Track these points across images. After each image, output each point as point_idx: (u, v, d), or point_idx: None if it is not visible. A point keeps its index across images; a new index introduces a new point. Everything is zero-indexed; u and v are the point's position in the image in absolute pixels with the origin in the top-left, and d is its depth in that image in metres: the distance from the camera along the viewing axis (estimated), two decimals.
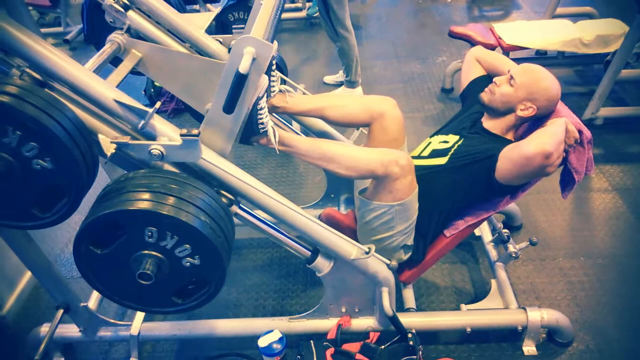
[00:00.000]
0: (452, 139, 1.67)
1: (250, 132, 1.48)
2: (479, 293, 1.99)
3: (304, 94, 2.13)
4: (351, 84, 3.44)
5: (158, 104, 1.20)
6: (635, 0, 2.46)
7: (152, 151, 1.22)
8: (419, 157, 1.71)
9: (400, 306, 1.81)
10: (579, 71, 3.52)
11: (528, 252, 2.12)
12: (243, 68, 1.16)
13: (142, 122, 1.21)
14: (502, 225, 1.92)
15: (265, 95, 1.49)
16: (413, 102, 3.39)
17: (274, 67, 1.60)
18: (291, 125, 2.08)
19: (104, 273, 1.23)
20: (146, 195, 1.11)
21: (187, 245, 1.16)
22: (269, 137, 1.50)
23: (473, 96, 1.75)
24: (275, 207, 1.40)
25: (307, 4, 4.82)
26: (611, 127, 2.82)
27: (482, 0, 4.99)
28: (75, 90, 1.22)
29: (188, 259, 1.18)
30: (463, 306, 1.79)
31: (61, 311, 1.68)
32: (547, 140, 1.37)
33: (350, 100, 1.74)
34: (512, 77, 1.56)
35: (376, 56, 4.07)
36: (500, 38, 3.12)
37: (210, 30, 1.82)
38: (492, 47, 3.08)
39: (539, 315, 1.71)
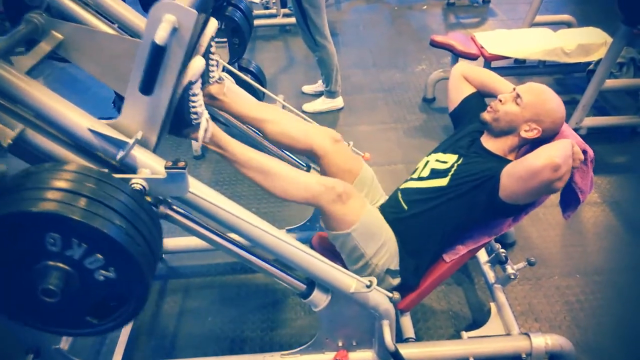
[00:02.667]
0: (451, 158, 1.59)
1: (182, 122, 1.32)
2: (477, 317, 1.91)
3: (283, 106, 2.02)
4: (331, 94, 3.35)
5: (139, 134, 1.07)
6: (619, 10, 2.44)
7: (132, 186, 1.08)
8: (419, 178, 1.62)
9: (398, 335, 1.71)
10: (559, 79, 3.52)
11: (524, 271, 2.05)
12: (159, 38, 1.00)
13: (122, 153, 1.08)
14: (499, 246, 1.85)
15: (201, 82, 1.32)
16: (395, 113, 3.31)
17: (212, 48, 1.45)
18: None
19: (1, 287, 1.04)
20: (45, 194, 0.92)
21: (99, 256, 0.97)
22: (200, 130, 1.34)
23: (468, 115, 1.67)
24: (258, 235, 1.28)
25: (282, 10, 4.71)
26: (595, 137, 2.80)
27: (457, 7, 4.98)
28: (41, 117, 1.08)
29: (101, 271, 1.00)
30: (464, 334, 1.70)
31: (31, 356, 1.52)
32: (555, 153, 1.30)
33: (294, 122, 1.62)
34: (518, 96, 1.49)
35: (354, 64, 3.98)
36: (482, 47, 3.08)
37: None
38: (474, 57, 3.04)
39: (543, 342, 1.63)
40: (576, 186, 1.49)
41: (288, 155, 1.90)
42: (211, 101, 1.55)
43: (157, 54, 1.02)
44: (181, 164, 1.08)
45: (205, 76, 1.46)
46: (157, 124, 1.15)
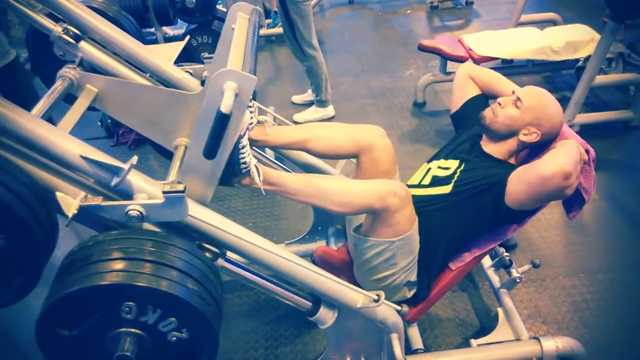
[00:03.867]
0: (452, 164, 1.56)
1: (231, 173, 1.32)
2: (484, 323, 1.88)
3: (274, 117, 1.99)
4: (322, 103, 3.32)
5: (135, 159, 1.03)
6: (607, 6, 2.45)
7: (129, 212, 1.04)
8: (419, 185, 1.59)
9: (406, 347, 1.67)
10: (547, 77, 3.52)
11: (528, 273, 2.01)
12: (225, 107, 0.99)
13: (116, 179, 1.04)
14: (503, 250, 1.82)
15: (247, 131, 1.33)
16: (387, 119, 3.29)
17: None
18: (264, 153, 1.93)
19: (75, 357, 1.03)
20: (119, 265, 0.94)
21: (173, 319, 0.98)
22: (252, 177, 1.34)
23: (470, 118, 1.64)
24: (271, 259, 1.25)
25: (266, 21, 4.69)
26: (588, 134, 2.78)
27: (441, 10, 4.99)
28: (33, 148, 1.04)
29: (174, 333, 1.00)
30: (473, 341, 1.67)
31: None
32: (565, 160, 1.27)
33: (336, 130, 1.60)
34: (518, 99, 1.47)
35: (343, 72, 3.97)
36: (470, 49, 3.07)
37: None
38: (463, 59, 3.03)
39: (554, 345, 1.61)
40: (580, 186, 1.47)
41: None
42: (253, 143, 1.53)
43: (223, 122, 1.03)
44: (179, 187, 1.04)
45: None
46: (215, 181, 1.19)
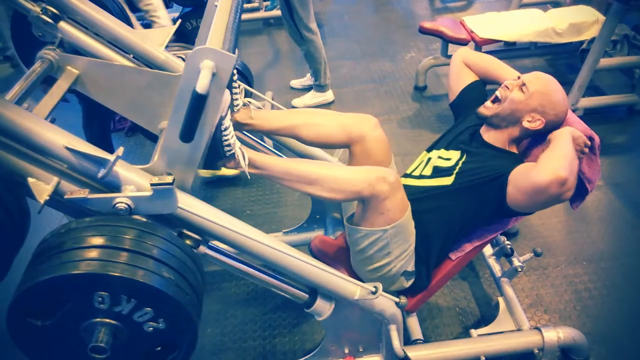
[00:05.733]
0: (454, 155, 1.52)
1: (216, 155, 1.29)
2: (484, 312, 1.85)
3: (272, 104, 1.95)
4: (321, 87, 3.27)
5: (121, 150, 0.99)
6: None
7: (117, 205, 1.01)
8: (420, 176, 1.54)
9: (406, 337, 1.65)
10: (550, 60, 3.45)
11: (529, 261, 1.99)
12: (201, 87, 0.94)
13: (103, 171, 1.00)
14: (504, 239, 1.79)
15: (229, 112, 1.29)
16: (387, 103, 3.24)
17: (235, 77, 1.40)
18: (263, 142, 1.89)
19: (48, 348, 1.01)
20: (91, 253, 0.91)
21: (148, 309, 0.95)
22: (237, 159, 1.31)
23: (469, 106, 1.59)
24: (260, 250, 1.22)
25: (264, 3, 4.61)
26: (592, 118, 2.76)
27: None
28: (15, 138, 0.99)
29: (150, 323, 0.97)
30: (473, 332, 1.64)
31: None
32: (559, 164, 1.22)
33: (327, 118, 1.55)
34: (524, 84, 1.41)
35: (342, 55, 3.90)
36: (472, 32, 3.00)
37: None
38: (465, 42, 2.97)
39: (555, 335, 1.59)
40: (583, 176, 1.43)
41: None
42: (240, 127, 1.49)
43: (199, 102, 0.97)
44: (168, 178, 1.00)
45: (231, 106, 1.41)
46: (195, 166, 1.13)
